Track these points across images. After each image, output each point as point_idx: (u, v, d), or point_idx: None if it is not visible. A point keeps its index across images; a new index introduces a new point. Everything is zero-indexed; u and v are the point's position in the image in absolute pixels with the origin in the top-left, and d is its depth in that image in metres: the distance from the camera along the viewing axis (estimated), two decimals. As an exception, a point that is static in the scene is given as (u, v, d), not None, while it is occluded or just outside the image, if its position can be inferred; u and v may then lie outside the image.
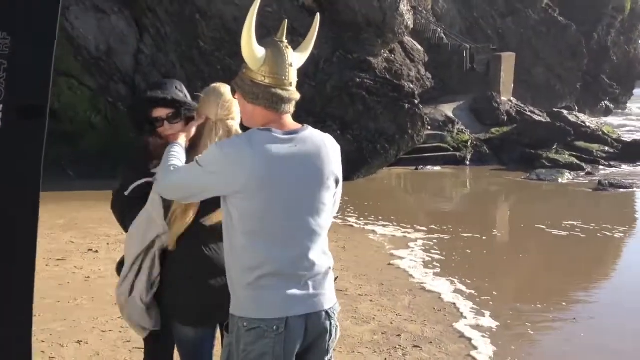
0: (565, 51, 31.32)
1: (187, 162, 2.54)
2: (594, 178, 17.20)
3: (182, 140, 2.68)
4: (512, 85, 24.22)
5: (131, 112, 3.13)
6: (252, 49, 2.21)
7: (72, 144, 14.94)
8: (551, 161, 19.12)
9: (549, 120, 22.34)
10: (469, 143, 20.19)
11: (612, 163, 20.17)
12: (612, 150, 21.55)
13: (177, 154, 2.57)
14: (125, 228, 2.88)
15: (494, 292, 7.32)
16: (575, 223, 11.10)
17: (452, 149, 19.80)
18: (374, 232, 10.36)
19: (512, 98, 23.78)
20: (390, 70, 17.06)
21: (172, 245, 2.72)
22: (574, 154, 20.22)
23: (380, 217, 11.35)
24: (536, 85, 29.42)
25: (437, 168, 18.74)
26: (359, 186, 14.99)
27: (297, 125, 2.32)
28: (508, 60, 23.71)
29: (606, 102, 37.23)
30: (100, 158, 14.28)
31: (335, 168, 2.35)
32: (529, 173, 17.56)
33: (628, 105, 39.96)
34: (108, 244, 8.63)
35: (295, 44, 2.35)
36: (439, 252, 9.07)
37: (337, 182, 2.37)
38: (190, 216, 2.70)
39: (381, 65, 16.91)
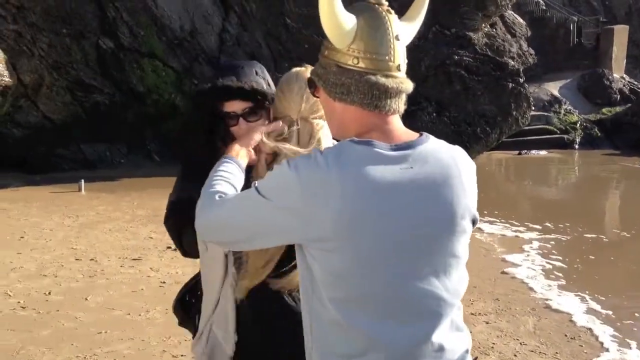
0: (682, 22, 28.51)
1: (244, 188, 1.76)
2: None
3: (242, 155, 1.91)
4: (625, 62, 22.13)
5: (196, 105, 2.41)
6: (335, 17, 1.49)
7: (157, 127, 14.60)
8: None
9: (664, 98, 20.32)
10: (578, 125, 18.72)
11: None
12: None
13: (228, 176, 1.78)
14: (185, 253, 2.31)
15: (636, 314, 6.06)
16: None
17: (558, 132, 18.45)
18: (480, 229, 9.17)
19: (624, 75, 21.74)
20: (491, 46, 15.71)
21: (243, 294, 2.02)
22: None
23: (485, 212, 10.15)
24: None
25: (543, 152, 17.37)
26: None
27: (411, 134, 1.57)
28: (620, 34, 21.64)
29: None
30: (184, 142, 13.74)
31: (471, 200, 1.57)
32: (649, 159, 15.82)
33: None
34: None
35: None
36: (559, 258, 7.85)
37: (474, 221, 1.59)
38: (269, 268, 1.92)
39: (481, 41, 15.62)
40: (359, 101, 1.52)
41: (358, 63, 1.51)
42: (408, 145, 1.50)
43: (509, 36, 17.09)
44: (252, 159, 1.93)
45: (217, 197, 1.63)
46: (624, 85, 20.95)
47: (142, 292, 6.17)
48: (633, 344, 5.28)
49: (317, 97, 1.66)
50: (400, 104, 1.54)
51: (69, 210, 10.24)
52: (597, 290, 6.65)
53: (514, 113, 15.49)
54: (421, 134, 1.55)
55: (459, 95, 15.16)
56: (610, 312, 6.02)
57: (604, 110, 19.75)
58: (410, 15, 1.65)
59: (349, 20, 1.49)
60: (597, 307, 6.14)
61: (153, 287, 6.33)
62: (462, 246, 1.53)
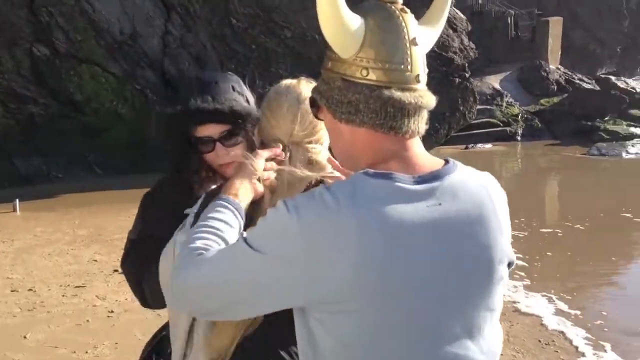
0: (605, 13, 29.62)
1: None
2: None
3: (243, 193, 1.55)
4: (560, 53, 22.73)
5: (165, 129, 1.99)
6: (339, 19, 1.24)
7: (97, 137, 13.86)
8: (609, 133, 17.86)
9: (597, 87, 20.97)
10: (519, 117, 19.12)
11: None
12: (670, 118, 20.21)
13: (219, 226, 1.42)
14: (146, 304, 2.02)
15: (604, 313, 6.09)
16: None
17: (501, 124, 18.73)
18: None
19: (559, 66, 22.32)
20: (437, 42, 15.64)
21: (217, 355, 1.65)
22: (631, 123, 18.89)
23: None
24: (575, 50, 27.79)
25: (488, 145, 17.58)
26: None
27: (435, 162, 1.32)
28: (555, 25, 22.22)
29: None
30: (129, 152, 13.15)
31: (507, 239, 1.33)
32: (589, 148, 16.22)
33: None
34: None
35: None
36: (520, 256, 7.72)
37: (510, 264, 1.35)
38: (239, 332, 1.60)
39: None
40: (370, 122, 1.26)
41: (367, 75, 1.25)
42: (434, 177, 1.25)
43: (451, 31, 17.16)
44: (257, 194, 1.58)
45: (197, 255, 1.31)
46: (559, 76, 21.51)
47: (88, 324, 5.64)
48: (607, 346, 5.27)
49: (321, 119, 1.38)
50: (420, 124, 1.28)
51: (2, 234, 9.50)
52: (561, 289, 6.67)
53: (462, 108, 15.63)
54: (447, 161, 1.30)
55: None
56: (578, 313, 6.02)
57: (542, 101, 20.18)
58: (429, 17, 1.38)
59: (355, 23, 1.24)
60: (565, 308, 6.14)
61: (100, 318, 5.79)
62: (498, 296, 1.30)
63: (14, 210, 11.24)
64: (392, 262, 1.16)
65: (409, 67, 1.25)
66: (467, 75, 15.66)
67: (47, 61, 13.68)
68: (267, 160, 1.59)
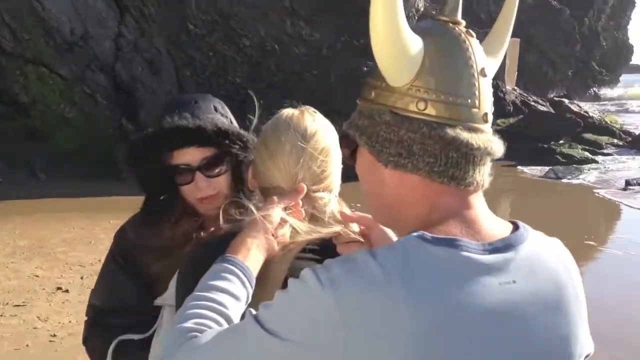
0: (559, 36, 30.32)
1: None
2: (616, 176, 15.89)
3: (254, 255, 1.24)
4: (516, 74, 22.96)
5: (135, 157, 1.69)
6: (398, 40, 1.01)
7: (42, 141, 13.15)
8: (565, 156, 17.95)
9: (552, 110, 21.23)
10: None
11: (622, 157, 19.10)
12: (620, 143, 20.60)
13: (220, 299, 1.14)
14: None
15: None
16: (624, 236, 9.67)
17: None
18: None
19: (515, 87, 22.53)
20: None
21: None
22: (586, 147, 19.13)
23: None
24: (529, 72, 28.24)
25: None
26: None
27: (502, 226, 1.08)
28: (512, 47, 22.42)
29: (594, 89, 36.43)
30: (76, 158, 12.50)
31: (586, 327, 1.10)
32: (547, 170, 16.30)
33: (602, 91, 38.89)
34: (82, 278, 6.90)
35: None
36: None
37: (586, 355, 1.12)
38: None
39: None
40: (426, 168, 1.03)
41: (425, 108, 1.03)
42: (506, 245, 1.02)
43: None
44: (271, 255, 1.28)
45: (188, 339, 1.04)
46: (515, 97, 21.68)
47: (28, 350, 5.17)
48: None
49: (353, 163, 1.14)
50: (486, 175, 1.08)
51: None
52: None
53: None
54: (516, 225, 1.08)
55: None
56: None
57: (498, 121, 20.26)
58: (491, 44, 1.15)
59: (416, 45, 1.02)
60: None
61: (41, 342, 5.31)
62: None
63: None
64: (455, 357, 0.91)
65: (477, 102, 1.04)
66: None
67: (-9, 60, 12.93)
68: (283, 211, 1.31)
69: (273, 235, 1.27)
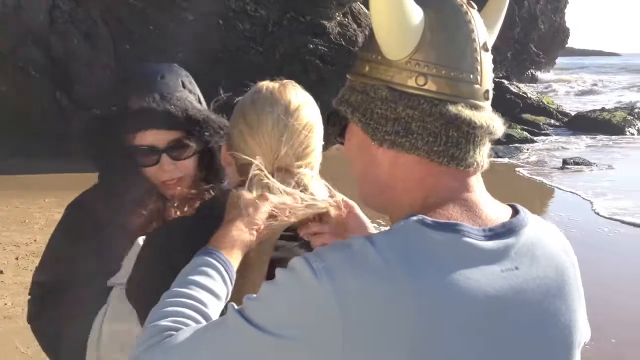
0: (499, 18, 30.82)
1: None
2: (554, 155, 16.28)
3: (239, 247, 1.17)
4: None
5: (95, 137, 1.58)
6: (401, 10, 0.93)
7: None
8: (506, 136, 18.11)
9: (492, 91, 21.68)
10: None
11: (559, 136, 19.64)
12: (557, 123, 21.16)
13: (200, 296, 1.05)
14: None
15: None
16: (561, 215, 9.84)
17: None
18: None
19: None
20: (344, 35, 15.48)
21: None
22: (525, 127, 19.55)
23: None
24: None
25: None
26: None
27: (500, 209, 1.04)
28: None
29: (532, 70, 37.30)
30: (7, 133, 11.93)
31: (584, 309, 1.07)
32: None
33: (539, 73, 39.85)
34: (17, 258, 6.62)
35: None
36: None
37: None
38: None
39: (335, 30, 15.33)
40: (424, 148, 0.97)
41: (425, 84, 0.97)
42: (508, 230, 0.97)
43: (355, 26, 17.01)
44: (247, 248, 1.20)
45: (166, 336, 0.96)
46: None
47: None
48: None
49: (342, 142, 1.07)
50: (486, 156, 1.03)
51: None
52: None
53: None
54: (515, 209, 1.03)
55: (315, 85, 14.56)
56: None
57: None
58: (486, 18, 1.07)
59: (417, 15, 0.96)
60: None
61: None
62: None
63: None
64: (459, 350, 0.87)
65: (479, 78, 0.99)
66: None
67: None
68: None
69: (257, 231, 1.19)
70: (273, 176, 1.26)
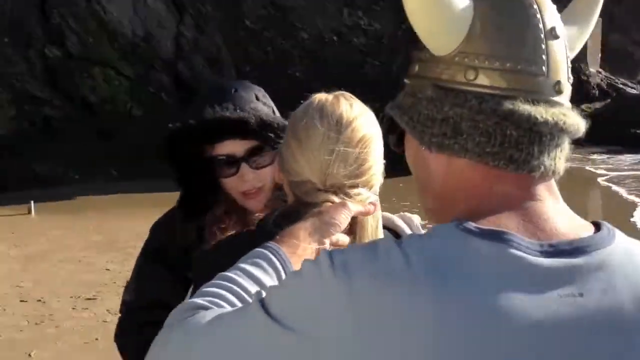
0: (648, 14, 28.39)
1: None
2: None
3: (304, 250, 1.11)
4: (600, 55, 21.70)
5: (171, 149, 1.61)
6: None
7: (113, 140, 13.73)
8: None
9: (640, 93, 20.02)
10: None
11: None
12: None
13: (247, 283, 1.01)
14: None
15: None
16: None
17: None
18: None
19: (600, 69, 21.30)
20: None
21: None
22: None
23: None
24: (612, 53, 26.62)
25: None
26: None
27: (577, 224, 0.84)
28: (595, 26, 21.19)
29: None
30: (145, 155, 12.96)
31: None
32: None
33: None
34: None
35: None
36: None
37: None
38: None
39: None
40: (476, 150, 0.85)
41: (475, 78, 0.85)
42: (575, 248, 0.81)
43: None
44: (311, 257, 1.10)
45: (194, 313, 0.93)
46: (601, 80, 20.53)
47: (96, 344, 5.12)
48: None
49: (401, 152, 0.96)
50: (559, 159, 0.85)
51: (16, 237, 9.26)
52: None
53: None
54: (598, 226, 0.84)
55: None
56: None
57: (582, 106, 19.29)
58: (573, 13, 0.96)
59: (461, 1, 0.85)
60: None
61: (109, 336, 5.25)
62: None
63: (29, 212, 11.13)
64: None
65: (544, 69, 0.83)
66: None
67: (60, 63, 13.64)
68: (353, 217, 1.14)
69: (330, 243, 1.12)
70: (327, 200, 1.19)
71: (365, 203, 1.16)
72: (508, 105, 0.82)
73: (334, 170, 1.17)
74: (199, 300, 0.94)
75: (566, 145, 0.85)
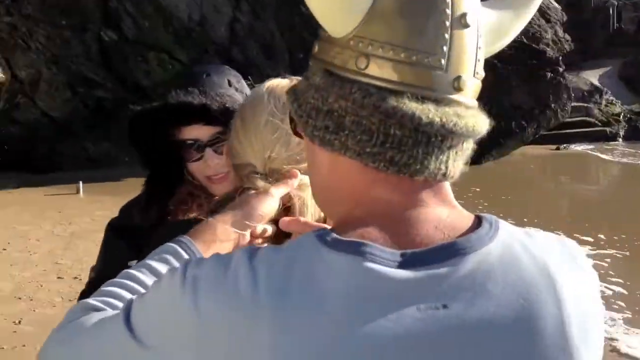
0: None
1: None
2: None
3: (219, 247, 1.05)
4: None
5: (133, 136, 1.66)
6: None
7: (164, 124, 13.77)
8: None
9: None
10: (621, 116, 17.73)
11: None
12: None
13: (150, 278, 0.96)
14: None
15: None
16: None
17: (600, 124, 17.42)
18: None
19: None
20: (526, 32, 14.56)
21: None
22: None
23: (525, 219, 9.10)
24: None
25: (584, 147, 16.28)
26: (489, 172, 13.07)
27: (459, 222, 0.77)
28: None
29: None
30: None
31: None
32: None
33: None
34: None
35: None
36: (619, 281, 6.64)
37: None
38: None
39: None
40: (356, 148, 0.77)
41: (366, 67, 0.76)
42: (441, 254, 0.73)
43: (543, 21, 15.98)
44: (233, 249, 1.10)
45: (79, 317, 0.88)
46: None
47: None
48: None
49: (300, 136, 0.91)
50: (452, 163, 0.78)
51: (62, 216, 9.57)
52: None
53: (553, 105, 14.82)
54: (479, 220, 0.77)
55: (492, 87, 14.04)
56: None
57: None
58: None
59: None
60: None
61: None
62: None
63: (77, 192, 11.40)
64: None
65: (443, 62, 0.77)
66: (560, 69, 14.61)
67: (115, 47, 13.73)
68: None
69: (252, 235, 1.08)
70: (266, 179, 1.14)
71: (292, 183, 1.11)
72: (392, 102, 0.75)
73: (274, 153, 1.16)
74: (92, 301, 0.90)
75: (466, 146, 0.79)
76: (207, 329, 0.73)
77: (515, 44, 14.60)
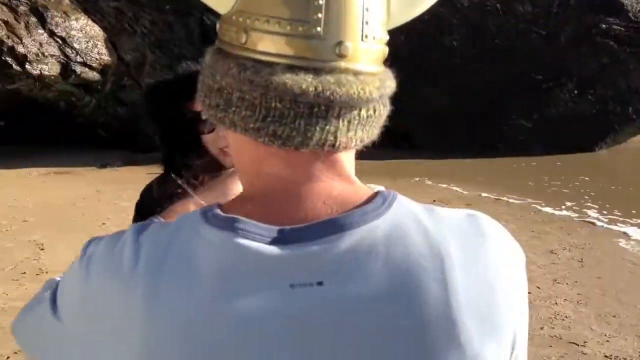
0: None
1: None
2: None
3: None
4: None
5: (150, 109, 1.70)
6: None
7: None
8: None
9: None
10: None
11: None
12: None
13: None
14: None
15: None
16: None
17: None
18: (626, 235, 7.37)
19: None
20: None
21: None
22: None
23: (635, 211, 8.32)
24: None
25: None
26: (602, 161, 12.24)
27: (352, 200, 0.77)
28: None
29: None
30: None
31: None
32: None
33: None
34: None
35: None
36: None
37: None
38: None
39: (635, 7, 13.49)
40: (241, 124, 0.77)
41: (246, 42, 0.76)
42: (317, 232, 0.73)
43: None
44: None
45: (41, 297, 0.89)
46: None
47: None
48: None
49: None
50: (347, 133, 0.77)
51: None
52: None
53: None
54: (375, 194, 0.77)
55: (608, 70, 13.49)
56: None
57: None
58: None
59: None
60: None
61: None
62: None
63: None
64: None
65: (319, 28, 0.74)
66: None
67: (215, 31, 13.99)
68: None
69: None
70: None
71: None
72: (266, 74, 0.74)
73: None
74: (57, 277, 0.95)
75: (358, 114, 0.77)
76: (95, 303, 0.75)
77: (634, 24, 13.55)
